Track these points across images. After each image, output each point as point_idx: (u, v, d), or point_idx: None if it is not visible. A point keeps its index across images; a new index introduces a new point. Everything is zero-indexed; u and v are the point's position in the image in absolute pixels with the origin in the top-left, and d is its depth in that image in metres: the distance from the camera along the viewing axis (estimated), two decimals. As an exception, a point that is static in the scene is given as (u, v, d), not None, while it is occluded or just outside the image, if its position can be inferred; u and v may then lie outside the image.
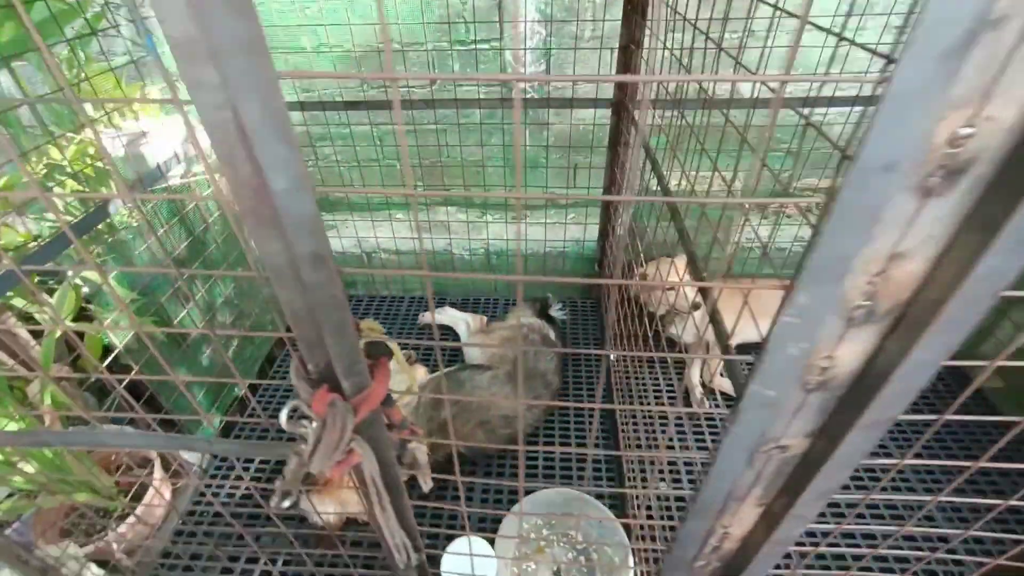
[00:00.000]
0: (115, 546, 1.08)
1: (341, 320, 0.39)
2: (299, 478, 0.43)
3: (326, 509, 1.05)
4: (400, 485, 0.54)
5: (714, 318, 0.67)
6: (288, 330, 0.40)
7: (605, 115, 1.48)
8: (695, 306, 1.53)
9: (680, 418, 1.43)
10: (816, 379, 0.40)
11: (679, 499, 1.22)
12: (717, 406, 1.47)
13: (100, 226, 1.08)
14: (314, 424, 0.42)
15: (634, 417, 1.42)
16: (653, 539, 1.12)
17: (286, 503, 0.45)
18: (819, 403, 0.42)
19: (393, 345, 0.46)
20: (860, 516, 1.22)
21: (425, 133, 1.62)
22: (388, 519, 0.55)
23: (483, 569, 1.03)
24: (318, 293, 0.37)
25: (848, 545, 1.16)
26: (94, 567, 1.06)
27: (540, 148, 1.64)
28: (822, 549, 1.13)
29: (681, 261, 1.58)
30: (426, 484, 0.54)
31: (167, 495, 1.24)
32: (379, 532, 0.59)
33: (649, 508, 1.20)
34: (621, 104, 1.41)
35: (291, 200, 0.34)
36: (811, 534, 1.06)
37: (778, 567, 1.05)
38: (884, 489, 1.28)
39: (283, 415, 0.40)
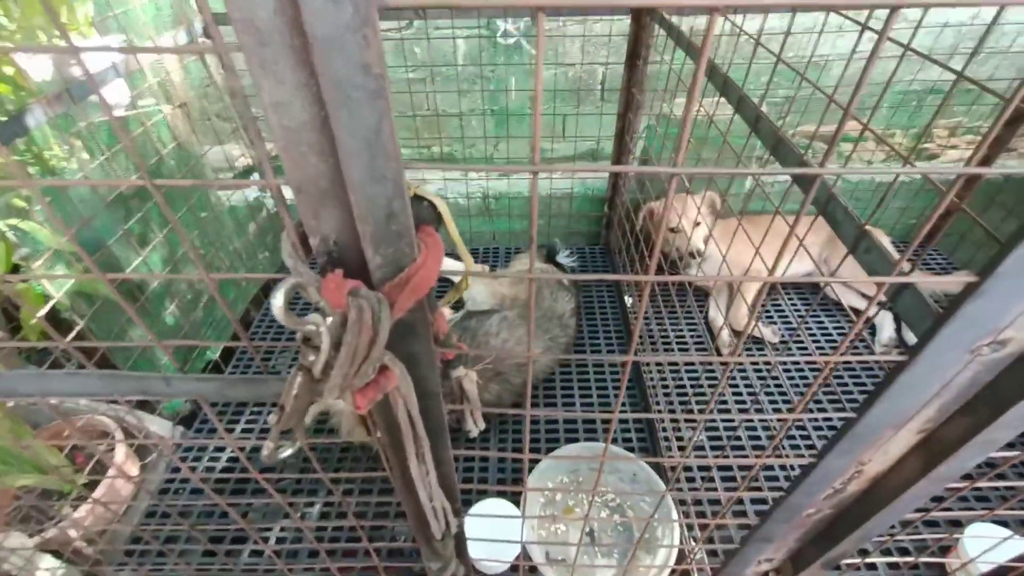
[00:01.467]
0: (72, 533, 0.91)
1: (382, 142, 0.23)
2: (305, 408, 0.27)
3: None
4: (445, 428, 0.39)
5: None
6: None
7: (622, 28, 1.30)
8: (697, 253, 1.40)
9: (710, 365, 1.32)
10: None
11: (715, 446, 1.12)
12: (748, 350, 1.36)
13: (19, 144, 0.86)
14: (328, 320, 0.26)
15: (659, 366, 1.30)
16: (691, 481, 1.01)
17: (286, 452, 0.29)
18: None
19: (444, 209, 0.29)
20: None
21: (398, 83, 1.42)
22: (427, 477, 0.40)
23: (507, 534, 0.90)
24: (352, 89, 0.21)
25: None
26: (48, 558, 0.89)
27: (524, 95, 1.46)
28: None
29: (696, 197, 1.44)
30: (477, 425, 0.41)
31: (134, 471, 1.07)
32: (407, 495, 0.44)
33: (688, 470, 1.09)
34: (642, 9, 1.22)
35: None
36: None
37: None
38: None
39: (278, 299, 0.23)
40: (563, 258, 1.60)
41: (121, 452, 1.02)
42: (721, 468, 1.06)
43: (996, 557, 0.67)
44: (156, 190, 0.27)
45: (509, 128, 1.52)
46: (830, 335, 1.40)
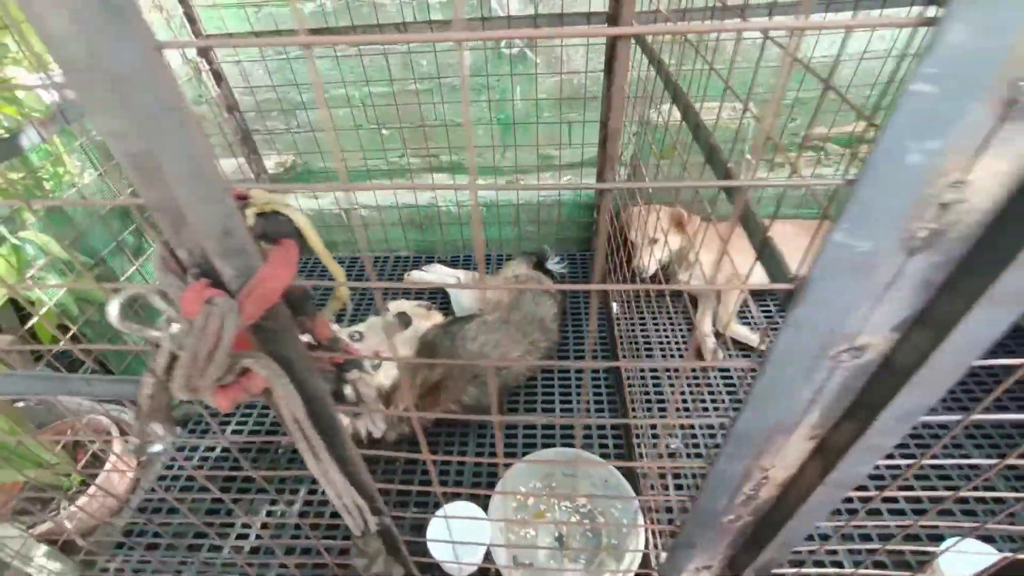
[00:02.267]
0: (68, 524, 0.97)
1: (202, 168, 0.25)
2: (161, 408, 0.29)
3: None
4: (339, 427, 0.41)
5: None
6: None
7: (598, 42, 1.32)
8: (652, 240, 1.41)
9: (694, 372, 1.31)
10: (929, 226, 0.26)
11: (697, 454, 1.11)
12: (731, 355, 1.34)
13: (13, 163, 0.93)
14: (174, 328, 0.28)
15: (641, 372, 1.30)
16: (668, 503, 1.01)
17: (156, 447, 0.32)
18: (924, 271, 0.29)
19: (303, 222, 0.32)
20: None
21: (406, 95, 1.47)
22: (327, 472, 0.42)
23: (476, 537, 0.91)
24: (163, 120, 0.23)
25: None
26: (43, 549, 0.95)
27: (530, 103, 1.49)
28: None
29: (664, 210, 1.45)
30: (376, 429, 0.43)
31: (130, 471, 1.13)
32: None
33: (662, 472, 1.08)
34: (616, 17, 1.24)
35: None
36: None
37: (811, 538, 0.93)
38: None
39: (113, 307, 0.26)
40: (552, 264, 1.62)
41: (118, 449, 1.08)
42: (698, 475, 1.05)
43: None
44: (137, 210, 0.31)
45: (516, 136, 1.55)
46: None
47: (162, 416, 0.29)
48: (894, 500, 0.99)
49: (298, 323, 0.35)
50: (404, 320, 1.24)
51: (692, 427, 1.16)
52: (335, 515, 1.02)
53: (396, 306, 1.42)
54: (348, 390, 0.42)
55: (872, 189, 0.25)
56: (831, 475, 0.41)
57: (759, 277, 1.39)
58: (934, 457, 1.05)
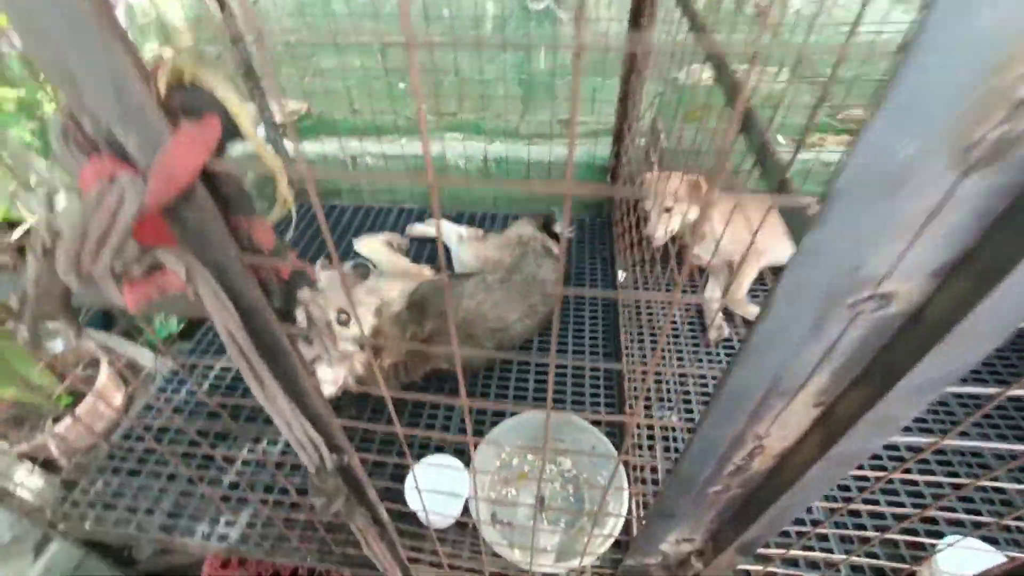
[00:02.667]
0: (52, 445, 0.97)
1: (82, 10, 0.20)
2: (53, 296, 0.25)
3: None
4: (285, 351, 0.37)
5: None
6: None
7: None
8: (665, 208, 1.34)
9: (696, 341, 1.26)
10: (995, 132, 0.20)
11: (691, 430, 1.07)
12: (738, 333, 1.29)
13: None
14: (65, 205, 0.24)
15: (641, 341, 1.25)
16: (651, 450, 0.97)
17: (56, 341, 0.28)
18: (980, 197, 0.23)
19: (232, 99, 0.26)
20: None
21: (423, 54, 1.38)
22: (274, 400, 0.39)
23: (455, 490, 0.89)
24: None
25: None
26: (25, 468, 0.95)
27: (547, 72, 1.40)
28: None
29: (675, 177, 1.36)
30: (330, 353, 0.39)
31: (116, 396, 1.13)
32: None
33: (651, 439, 1.05)
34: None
35: None
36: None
37: (800, 522, 0.89)
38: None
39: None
40: (560, 228, 1.55)
41: (104, 376, 1.07)
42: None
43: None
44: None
45: (537, 97, 1.47)
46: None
47: (55, 306, 0.25)
48: (890, 485, 0.95)
49: (233, 225, 0.31)
50: (362, 272, 1.18)
51: (688, 397, 1.12)
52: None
53: (363, 244, 1.39)
54: (299, 314, 0.38)
55: (924, 66, 0.19)
56: (834, 449, 0.36)
57: (780, 253, 1.30)
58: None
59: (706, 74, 1.06)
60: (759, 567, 0.78)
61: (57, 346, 0.29)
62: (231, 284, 0.32)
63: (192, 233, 0.29)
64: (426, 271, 1.34)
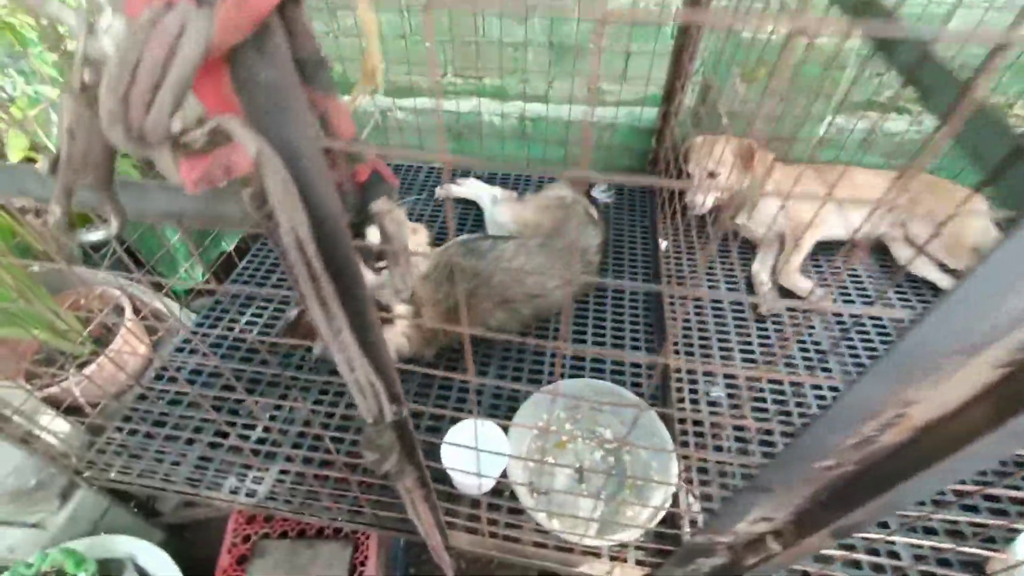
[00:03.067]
0: (75, 389, 0.94)
1: None
2: (92, 159, 0.19)
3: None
4: (357, 272, 0.31)
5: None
6: None
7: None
8: (711, 174, 1.25)
9: (743, 315, 1.19)
10: None
11: (734, 406, 1.01)
12: (792, 312, 1.21)
13: None
14: (111, 24, 0.17)
15: (685, 313, 1.18)
16: (700, 436, 0.92)
17: (97, 234, 0.22)
18: None
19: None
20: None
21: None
22: (339, 332, 0.33)
23: (492, 461, 0.85)
24: None
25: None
26: (51, 410, 0.92)
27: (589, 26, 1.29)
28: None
29: (729, 142, 1.26)
30: (404, 284, 0.34)
31: (141, 346, 1.09)
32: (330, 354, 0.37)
33: (697, 410, 0.99)
34: None
35: None
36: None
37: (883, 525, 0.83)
38: None
39: None
40: (598, 192, 1.47)
41: (128, 323, 1.04)
42: (737, 428, 0.96)
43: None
44: None
45: (567, 61, 1.37)
46: (889, 303, 1.22)
47: (95, 171, 0.19)
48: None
49: (308, 98, 0.24)
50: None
51: (734, 376, 1.06)
52: (350, 407, 0.97)
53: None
54: (371, 232, 0.32)
55: None
56: (1017, 418, 0.30)
57: (833, 224, 1.21)
58: None
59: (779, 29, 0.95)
60: (817, 566, 0.73)
61: (93, 234, 0.23)
62: (303, 177, 0.26)
63: (263, 101, 0.23)
64: (421, 231, 1.25)
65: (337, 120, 0.26)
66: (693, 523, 0.81)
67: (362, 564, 1.00)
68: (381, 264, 0.34)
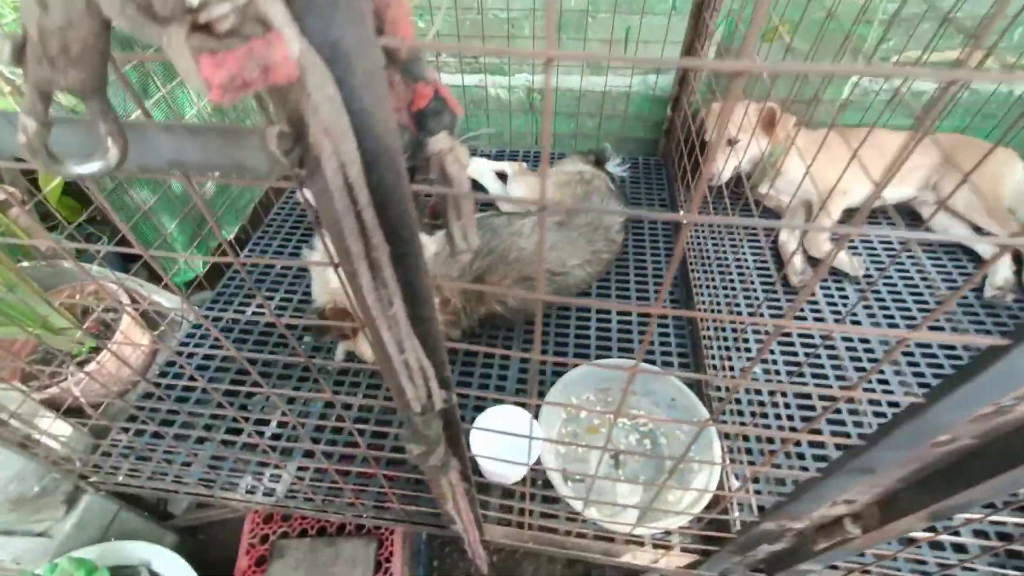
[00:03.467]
0: (75, 389, 0.88)
1: None
2: (71, 29, 0.13)
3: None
4: (414, 230, 0.25)
5: None
6: None
7: None
8: (731, 140, 1.19)
9: (774, 292, 1.14)
10: None
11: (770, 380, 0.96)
12: (823, 283, 1.16)
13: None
14: None
15: (713, 290, 1.13)
16: (739, 415, 0.87)
17: (89, 166, 0.16)
18: None
19: None
20: None
21: None
22: (387, 303, 0.27)
23: (520, 446, 0.80)
24: None
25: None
26: (51, 412, 0.87)
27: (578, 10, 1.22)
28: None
29: (751, 106, 1.20)
30: (467, 240, 0.30)
31: (143, 343, 1.03)
32: (376, 345, 0.31)
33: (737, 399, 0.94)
34: None
35: None
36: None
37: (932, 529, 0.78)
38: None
39: None
40: (613, 166, 1.40)
41: (127, 319, 0.98)
42: (778, 405, 0.91)
43: None
44: None
45: (568, 36, 1.30)
46: (925, 272, 1.17)
47: (86, 71, 0.13)
48: None
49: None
50: None
51: (774, 359, 1.01)
52: (368, 396, 0.92)
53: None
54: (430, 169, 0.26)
55: None
56: None
57: (861, 190, 1.15)
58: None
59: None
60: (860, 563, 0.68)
61: (86, 167, 0.18)
62: (356, 95, 0.20)
63: (313, 15, 0.16)
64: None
65: (397, 18, 0.20)
66: (741, 506, 0.76)
67: (387, 561, 0.96)
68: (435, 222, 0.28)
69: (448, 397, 0.37)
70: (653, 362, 1.00)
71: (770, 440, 0.84)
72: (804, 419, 0.89)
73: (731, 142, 1.23)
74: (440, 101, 0.24)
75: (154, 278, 1.12)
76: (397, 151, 0.22)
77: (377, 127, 0.21)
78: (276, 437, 0.90)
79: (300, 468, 0.86)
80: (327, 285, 0.92)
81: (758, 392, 0.94)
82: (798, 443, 0.85)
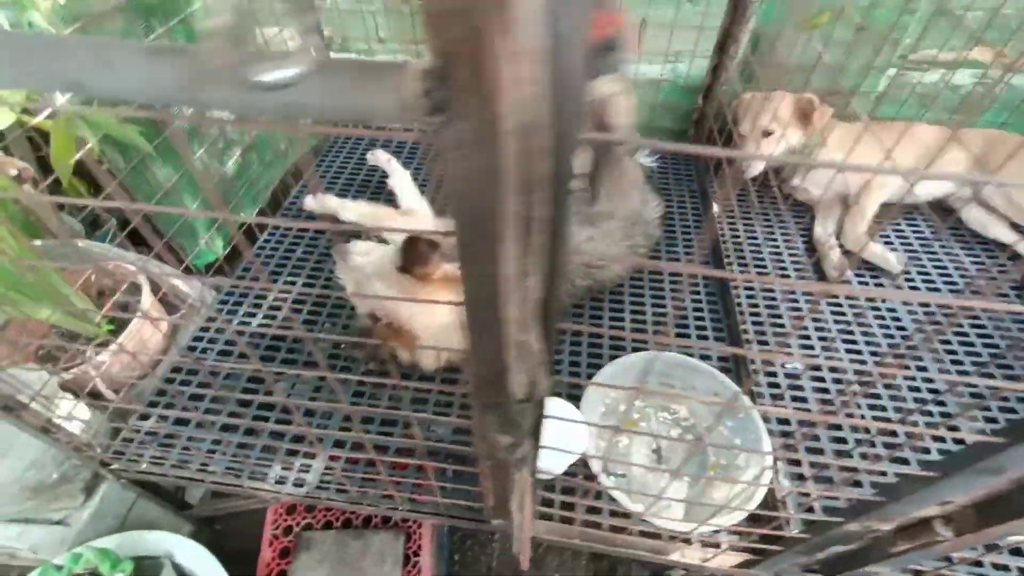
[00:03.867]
0: (93, 373, 0.85)
1: None
2: None
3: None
4: (569, 190, 0.22)
5: None
6: None
7: None
8: (765, 132, 1.17)
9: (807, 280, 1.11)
10: None
11: (817, 377, 0.93)
12: (860, 277, 1.13)
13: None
14: None
15: (749, 281, 1.10)
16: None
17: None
18: None
19: None
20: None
21: None
22: (522, 267, 0.24)
23: (566, 440, 0.77)
24: None
25: None
26: (71, 396, 0.83)
27: None
28: None
29: (785, 98, 1.17)
30: (608, 206, 0.28)
31: (163, 325, 1.00)
32: (484, 326, 0.28)
33: (775, 386, 0.92)
34: None
35: None
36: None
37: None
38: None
39: None
40: (643, 157, 1.37)
41: (147, 301, 0.94)
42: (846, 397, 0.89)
43: None
44: None
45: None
46: (963, 267, 1.14)
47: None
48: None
49: None
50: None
51: (810, 343, 0.99)
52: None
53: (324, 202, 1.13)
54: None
55: None
56: None
57: (900, 187, 1.12)
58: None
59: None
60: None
61: (279, 73, 0.16)
62: (559, 8, 0.16)
63: None
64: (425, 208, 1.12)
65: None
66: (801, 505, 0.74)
67: (415, 555, 0.93)
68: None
69: (550, 386, 0.34)
70: (692, 354, 0.97)
71: (841, 439, 0.81)
72: (874, 417, 0.87)
73: (766, 134, 1.20)
74: (615, 39, 0.20)
75: (171, 261, 1.08)
76: (583, 89, 0.19)
77: (573, 55, 0.18)
78: (309, 413, 0.86)
79: (331, 458, 0.83)
80: (360, 287, 0.87)
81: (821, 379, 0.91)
82: (872, 443, 0.82)
